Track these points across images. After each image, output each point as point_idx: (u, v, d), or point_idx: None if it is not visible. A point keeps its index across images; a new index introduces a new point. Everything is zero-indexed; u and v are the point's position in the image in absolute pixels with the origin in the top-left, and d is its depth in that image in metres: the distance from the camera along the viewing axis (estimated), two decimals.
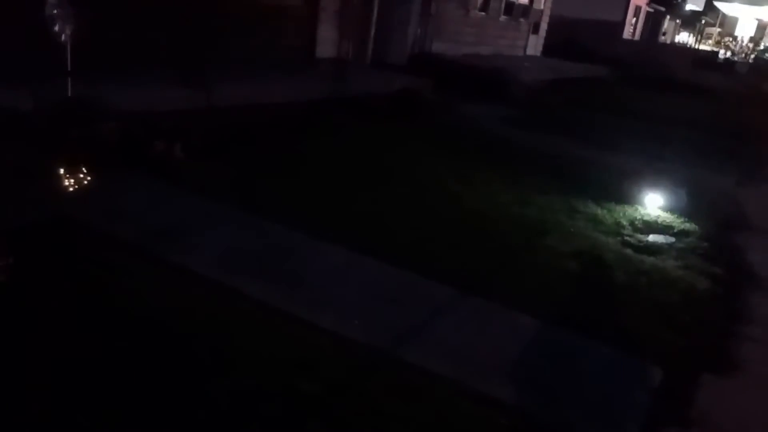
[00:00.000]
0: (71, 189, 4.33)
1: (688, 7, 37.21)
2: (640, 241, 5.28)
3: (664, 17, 36.47)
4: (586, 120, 11.15)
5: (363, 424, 2.67)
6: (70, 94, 5.23)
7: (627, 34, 28.85)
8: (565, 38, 22.45)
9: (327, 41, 10.96)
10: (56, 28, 4.89)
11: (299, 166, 6.03)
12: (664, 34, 37.98)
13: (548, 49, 21.34)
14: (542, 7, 20.33)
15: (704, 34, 43.87)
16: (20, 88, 5.13)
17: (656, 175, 7.05)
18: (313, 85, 8.72)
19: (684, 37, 43.07)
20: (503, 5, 17.23)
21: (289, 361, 2.98)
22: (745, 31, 43.20)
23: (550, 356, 3.42)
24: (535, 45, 20.81)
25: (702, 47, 38.72)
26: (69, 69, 5.25)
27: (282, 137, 6.81)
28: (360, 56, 11.84)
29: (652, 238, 5.40)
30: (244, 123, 6.73)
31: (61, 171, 4.33)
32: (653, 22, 34.47)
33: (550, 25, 21.28)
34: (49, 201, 4.19)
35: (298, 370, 2.91)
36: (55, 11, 4.83)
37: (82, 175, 4.38)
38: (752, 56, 35.72)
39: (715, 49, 36.89)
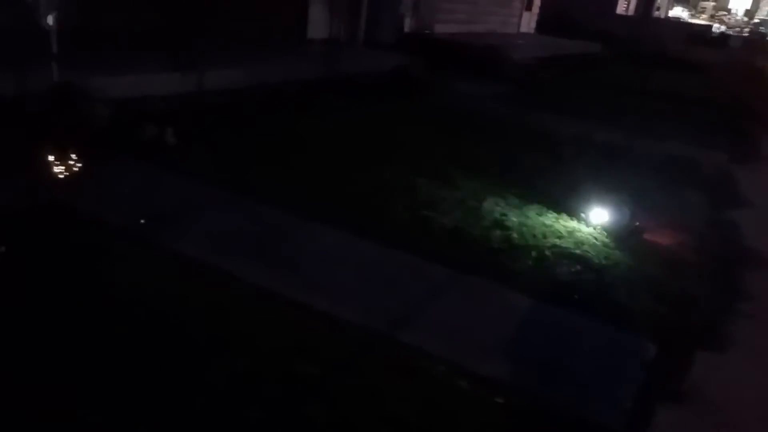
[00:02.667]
0: (61, 175, 4.29)
1: None
2: None
3: None
4: (577, 97, 11.13)
5: (361, 404, 2.67)
6: (57, 80, 5.16)
7: (621, 9, 28.62)
8: (559, 14, 22.28)
9: (318, 21, 10.85)
10: (41, 11, 4.81)
11: (291, 148, 5.99)
12: (658, 8, 37.75)
13: (542, 25, 21.16)
14: None
15: (698, 8, 43.63)
16: (6, 73, 5.06)
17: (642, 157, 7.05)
18: (305, 66, 8.64)
19: (678, 12, 42.83)
20: None
21: (286, 343, 2.98)
22: (739, 4, 42.95)
23: (545, 334, 3.44)
24: (528, 22, 20.64)
25: (696, 21, 38.52)
26: (55, 54, 5.18)
27: (274, 119, 6.76)
28: (352, 36, 11.73)
29: None
30: (236, 105, 6.67)
31: (51, 157, 4.28)
32: None
33: (543, 1, 21.09)
34: (39, 188, 4.15)
35: (296, 352, 2.91)
36: None
37: (72, 161, 4.34)
38: (747, 30, 35.57)
39: (710, 23, 36.74)
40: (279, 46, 9.35)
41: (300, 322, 3.17)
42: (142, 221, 3.77)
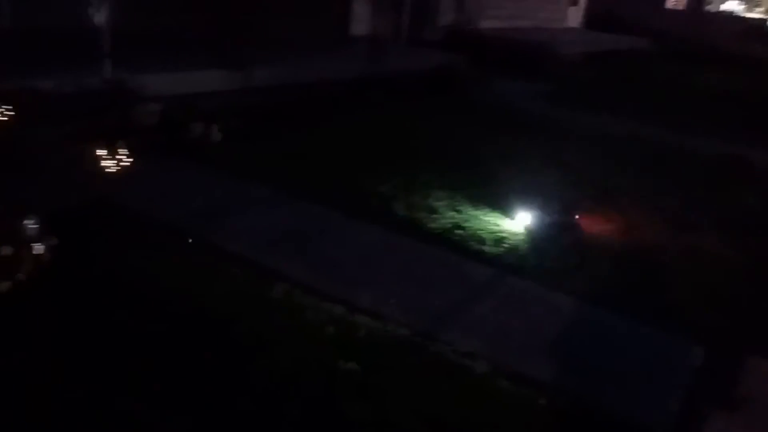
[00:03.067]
0: (111, 171, 4.41)
1: None
2: None
3: None
4: (622, 94, 10.88)
5: (401, 402, 2.67)
6: (108, 77, 5.31)
7: (670, 3, 27.81)
8: (606, 10, 21.75)
9: (361, 19, 10.86)
10: (92, 12, 4.96)
11: (336, 146, 6.02)
12: (710, 2, 36.52)
13: (588, 21, 20.72)
14: None
15: (753, 1, 42.02)
16: (60, 73, 5.23)
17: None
18: (348, 64, 8.67)
19: (732, 5, 41.33)
20: None
21: (327, 340, 2.99)
22: None
23: (588, 335, 3.37)
24: (575, 17, 20.23)
25: (751, 15, 37.11)
26: (106, 52, 5.32)
27: (318, 117, 6.81)
28: (395, 33, 11.71)
29: None
30: (279, 103, 6.75)
31: (101, 154, 4.41)
32: None
33: None
34: (90, 183, 4.27)
35: (336, 349, 2.93)
36: None
37: (121, 158, 4.46)
38: None
39: (766, 17, 35.35)
40: (322, 43, 9.39)
41: (341, 318, 3.19)
42: (190, 240, 3.79)
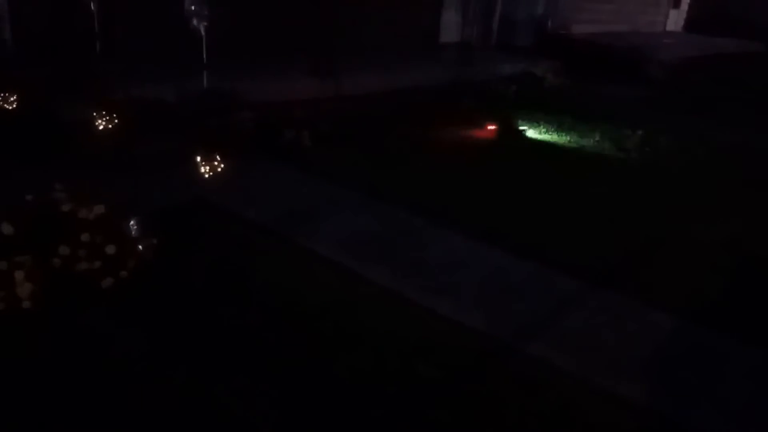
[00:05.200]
0: (210, 174, 4.63)
1: None
2: None
3: None
4: (726, 100, 10.22)
5: (483, 412, 2.62)
6: (207, 86, 5.59)
7: None
8: (714, 11, 20.54)
9: (450, 26, 10.85)
10: (193, 23, 5.24)
11: (421, 152, 6.03)
12: None
13: (691, 23, 19.66)
14: None
15: None
16: (164, 81, 5.55)
17: None
18: (436, 72, 8.68)
19: None
20: None
21: (409, 345, 2.99)
22: None
23: (684, 355, 3.17)
24: (675, 20, 19.27)
25: None
26: (206, 62, 5.60)
27: (404, 124, 6.84)
28: (485, 39, 11.60)
29: None
30: (369, 110, 6.84)
31: (201, 157, 4.63)
32: None
33: None
34: (190, 185, 4.51)
35: (418, 353, 2.92)
36: (192, 8, 5.17)
37: (219, 161, 4.67)
38: None
39: None
40: (411, 51, 9.46)
41: (424, 323, 3.17)
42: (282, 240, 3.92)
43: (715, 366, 3.10)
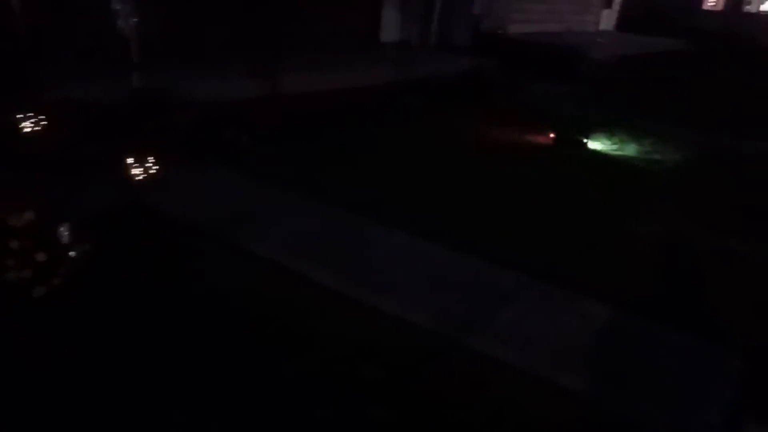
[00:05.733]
0: (143, 177, 4.49)
1: None
2: None
3: None
4: (651, 95, 10.72)
5: (427, 410, 2.65)
6: (142, 86, 5.42)
7: (708, 4, 27.20)
8: (642, 11, 21.41)
9: (390, 25, 10.89)
10: (121, 22, 5.08)
11: (363, 151, 6.04)
12: (749, 2, 35.56)
13: (622, 23, 20.42)
14: None
15: None
16: (96, 82, 5.35)
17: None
18: (377, 71, 8.69)
19: None
20: None
21: (353, 345, 2.99)
22: None
23: (621, 343, 3.29)
24: (607, 20, 19.95)
25: None
26: (140, 62, 5.43)
27: (348, 123, 6.84)
28: (424, 39, 11.71)
29: None
30: (311, 109, 6.80)
31: (134, 160, 4.49)
32: None
33: None
34: (123, 189, 4.36)
35: (362, 354, 2.92)
36: (119, 6, 5.02)
37: (154, 163, 4.54)
38: None
39: None
40: (351, 50, 9.45)
41: (367, 323, 3.18)
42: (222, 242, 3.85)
43: (647, 351, 3.23)
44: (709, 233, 4.89)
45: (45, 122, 4.84)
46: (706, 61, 16.14)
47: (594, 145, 7.14)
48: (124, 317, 3.01)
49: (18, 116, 4.80)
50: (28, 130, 4.80)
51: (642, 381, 2.99)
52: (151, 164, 4.50)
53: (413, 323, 3.22)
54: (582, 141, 7.03)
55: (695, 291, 4.01)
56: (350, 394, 2.67)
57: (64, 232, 3.25)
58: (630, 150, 7.12)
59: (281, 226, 4.19)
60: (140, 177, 4.47)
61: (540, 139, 7.22)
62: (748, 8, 32.28)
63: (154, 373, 2.65)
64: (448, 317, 3.32)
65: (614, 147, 7.16)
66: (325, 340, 3.01)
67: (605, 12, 19.60)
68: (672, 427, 2.73)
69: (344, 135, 6.42)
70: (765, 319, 3.72)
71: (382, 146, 6.21)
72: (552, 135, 7.11)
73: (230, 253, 3.75)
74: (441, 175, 5.61)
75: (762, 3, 37.41)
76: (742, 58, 16.80)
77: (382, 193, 4.98)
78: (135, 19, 5.16)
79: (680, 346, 3.33)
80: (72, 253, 3.18)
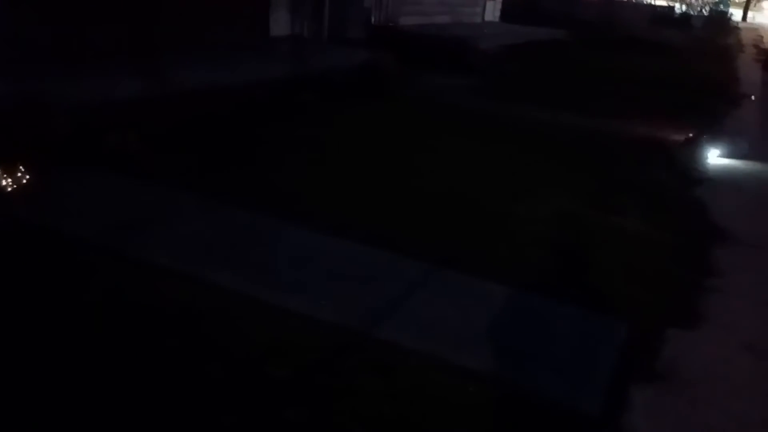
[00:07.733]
0: (16, 188, 4.16)
1: None
2: None
3: None
4: (539, 84, 11.35)
5: (340, 404, 2.65)
6: (10, 90, 5.03)
7: None
8: (523, 3, 22.38)
9: (280, 18, 10.73)
10: None
11: (258, 150, 5.90)
12: None
13: (506, 14, 21.25)
14: None
15: None
16: None
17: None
18: (269, 65, 8.54)
19: None
20: None
21: (261, 347, 2.93)
22: None
23: (519, 322, 3.45)
24: (492, 11, 20.70)
25: (659, 2, 38.99)
26: (7, 63, 5.04)
27: (240, 121, 6.66)
28: (316, 32, 11.63)
29: None
30: (201, 108, 6.56)
31: (5, 172, 4.15)
32: None
33: None
34: None
35: (271, 355, 2.88)
36: None
37: (28, 173, 4.22)
38: (706, 9, 36.25)
39: (671, 4, 37.26)
40: (241, 45, 9.22)
41: (275, 324, 3.13)
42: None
43: (542, 327, 3.41)
44: (595, 211, 5.21)
45: None
46: (584, 49, 17.13)
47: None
48: (11, 345, 2.78)
49: None
50: None
51: (538, 355, 3.14)
52: (23, 174, 4.17)
53: (321, 320, 3.21)
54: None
55: (585, 266, 4.25)
56: (259, 398, 2.62)
57: None
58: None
59: (176, 232, 4.02)
60: (11, 188, 4.13)
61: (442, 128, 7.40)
62: None
63: (48, 392, 2.48)
64: (357, 310, 3.33)
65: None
66: (233, 345, 2.93)
67: (490, 3, 20.32)
68: (567, 394, 2.88)
69: (238, 133, 6.25)
70: (645, 287, 4.02)
71: (279, 144, 6.10)
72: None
73: (122, 264, 3.54)
74: (345, 170, 5.59)
75: None
76: (616, 45, 17.95)
77: (282, 190, 4.90)
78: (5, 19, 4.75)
79: (572, 320, 3.53)
80: None
